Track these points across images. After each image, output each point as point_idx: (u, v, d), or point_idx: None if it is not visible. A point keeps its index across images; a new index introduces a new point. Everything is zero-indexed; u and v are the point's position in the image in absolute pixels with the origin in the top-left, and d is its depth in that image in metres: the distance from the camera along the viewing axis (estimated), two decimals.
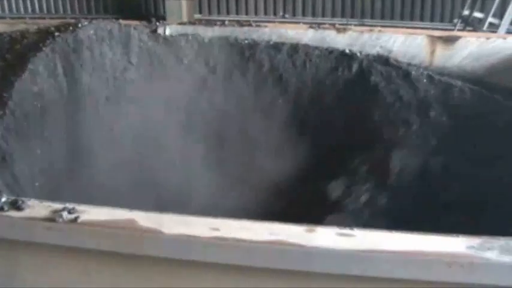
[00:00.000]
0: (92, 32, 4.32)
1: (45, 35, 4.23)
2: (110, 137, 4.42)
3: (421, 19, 9.38)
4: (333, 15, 8.15)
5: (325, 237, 2.29)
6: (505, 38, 4.58)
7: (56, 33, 4.20)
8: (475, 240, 2.25)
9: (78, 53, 4.21)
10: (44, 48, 4.07)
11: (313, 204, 4.10)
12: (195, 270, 2.47)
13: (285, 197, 4.43)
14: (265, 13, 8.31)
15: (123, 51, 4.49)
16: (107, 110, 4.41)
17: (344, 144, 4.43)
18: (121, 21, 4.75)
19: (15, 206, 2.63)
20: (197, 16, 8.25)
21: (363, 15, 8.26)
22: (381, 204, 4.06)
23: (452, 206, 3.82)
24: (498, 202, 3.66)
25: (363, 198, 4.11)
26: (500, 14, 8.32)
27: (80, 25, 4.31)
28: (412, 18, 9.29)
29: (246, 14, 8.28)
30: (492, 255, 2.19)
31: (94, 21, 4.47)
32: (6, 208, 2.62)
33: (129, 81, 4.52)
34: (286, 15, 8.09)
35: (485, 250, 2.20)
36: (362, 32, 4.64)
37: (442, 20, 9.53)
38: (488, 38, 4.54)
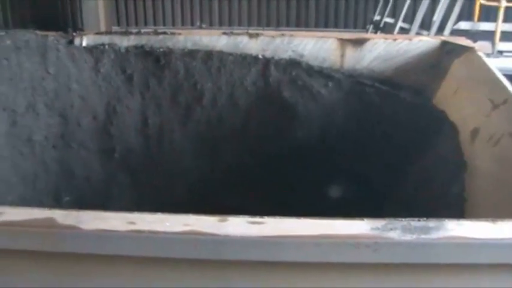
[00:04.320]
0: (9, 41, 4.34)
1: None
2: (29, 147, 4.46)
3: (336, 26, 9.59)
4: (249, 24, 8.26)
5: (236, 225, 2.39)
6: (410, 39, 4.76)
7: None
8: (379, 222, 2.38)
9: None
10: None
11: None
12: (113, 264, 2.54)
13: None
14: (183, 23, 8.38)
15: (41, 60, 4.51)
16: (26, 120, 4.43)
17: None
18: (37, 31, 4.78)
19: None
20: (115, 28, 8.26)
21: (278, 24, 8.41)
22: None
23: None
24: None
25: None
26: (410, 18, 8.57)
27: None
28: (326, 26, 9.50)
29: (164, 24, 8.34)
30: (395, 234, 2.31)
31: (10, 31, 4.49)
32: None
33: (48, 91, 4.54)
34: (203, 25, 8.18)
35: (388, 230, 2.33)
36: (274, 37, 4.76)
37: (355, 27, 9.78)
38: (395, 40, 4.71)
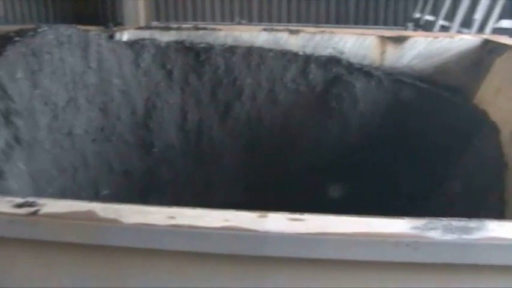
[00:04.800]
0: (51, 36, 4.39)
1: (4, 40, 4.28)
2: (69, 140, 4.50)
3: (375, 23, 9.55)
4: (289, 21, 8.26)
5: (277, 222, 2.39)
6: (452, 37, 4.72)
7: (16, 38, 4.26)
8: (419, 222, 2.36)
9: (38, 57, 4.28)
10: (3, 53, 4.13)
11: None
12: (153, 258, 2.56)
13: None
14: (222, 19, 8.39)
15: (83, 55, 4.55)
16: (67, 113, 4.47)
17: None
18: (79, 26, 4.82)
19: None
20: (155, 23, 8.30)
21: (317, 20, 8.39)
22: None
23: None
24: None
25: None
26: (451, 16, 8.50)
27: (39, 30, 4.37)
28: (366, 23, 9.45)
29: (203, 20, 8.36)
30: (436, 234, 2.30)
31: (53, 26, 4.53)
32: None
33: (88, 85, 4.58)
34: (243, 21, 8.18)
35: (429, 230, 2.32)
36: (314, 33, 4.75)
37: (395, 24, 9.71)
38: (436, 38, 4.67)
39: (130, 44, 4.82)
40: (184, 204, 2.63)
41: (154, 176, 4.77)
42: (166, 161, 4.78)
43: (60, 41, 4.42)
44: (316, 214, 2.43)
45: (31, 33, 4.33)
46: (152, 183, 4.77)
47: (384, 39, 4.68)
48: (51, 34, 4.39)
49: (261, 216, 2.42)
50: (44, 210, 2.62)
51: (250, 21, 8.19)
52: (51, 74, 4.35)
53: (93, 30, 4.89)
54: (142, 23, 7.78)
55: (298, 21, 8.23)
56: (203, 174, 4.74)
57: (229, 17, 8.32)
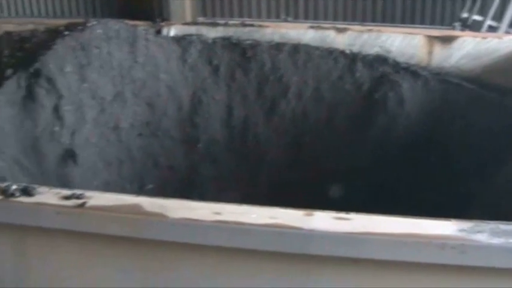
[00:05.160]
0: (100, 31, 4.43)
1: (54, 34, 4.34)
2: (115, 134, 4.55)
3: (422, 22, 9.47)
4: (335, 18, 8.23)
5: (322, 220, 2.39)
6: (501, 38, 4.68)
7: (66, 32, 4.31)
8: (466, 224, 2.35)
9: (87, 51, 4.33)
10: (53, 47, 4.19)
11: None
12: (198, 253, 2.58)
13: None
14: (268, 16, 8.40)
15: (130, 50, 4.59)
16: (114, 107, 4.52)
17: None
18: (127, 21, 4.86)
19: (26, 192, 2.75)
20: (201, 19, 8.34)
21: (364, 18, 8.35)
22: None
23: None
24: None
25: None
26: (499, 16, 8.40)
27: (88, 24, 4.42)
28: (412, 21, 9.39)
29: (249, 16, 8.38)
30: (483, 237, 2.28)
31: (102, 21, 4.57)
32: (17, 194, 2.74)
33: (135, 80, 4.62)
34: (289, 18, 8.18)
35: (475, 233, 2.30)
36: (361, 31, 4.73)
37: (442, 23, 9.62)
38: (484, 38, 4.63)
39: (177, 39, 4.85)
40: (227, 200, 2.65)
41: (198, 172, 4.79)
42: (210, 157, 4.80)
43: (108, 35, 4.47)
44: (362, 213, 2.43)
45: (80, 27, 4.39)
46: (196, 178, 4.79)
47: (431, 38, 4.65)
48: (99, 29, 4.44)
49: (306, 215, 2.43)
50: (91, 202, 2.66)
51: (296, 18, 8.18)
52: (99, 68, 4.40)
53: (141, 25, 4.94)
54: (188, 19, 7.82)
55: (344, 19, 8.20)
56: (247, 171, 4.74)
57: (275, 14, 8.33)
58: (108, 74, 4.46)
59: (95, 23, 4.46)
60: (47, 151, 4.10)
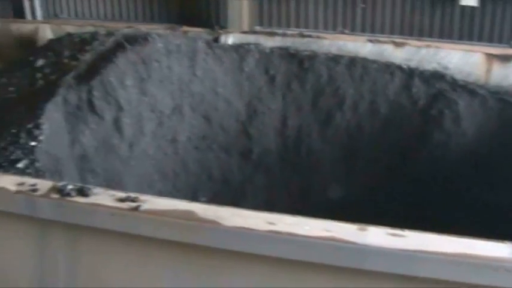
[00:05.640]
0: (161, 45, 4.50)
1: (115, 44, 4.41)
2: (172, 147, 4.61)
3: (479, 39, 9.35)
4: (392, 32, 8.15)
5: (377, 236, 2.38)
6: None
7: (127, 46, 4.37)
8: None
9: (147, 65, 4.40)
10: (114, 60, 4.26)
11: None
12: (249, 262, 2.58)
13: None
14: (325, 27, 8.35)
15: (189, 64, 4.65)
16: (172, 121, 4.58)
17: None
18: (185, 27, 4.91)
19: (82, 192, 2.80)
20: (257, 27, 8.35)
21: (421, 33, 8.27)
22: None
23: None
24: None
25: None
26: None
27: (149, 38, 4.48)
28: (470, 38, 9.27)
29: (306, 27, 8.34)
30: None
31: (163, 33, 4.64)
32: (73, 194, 2.79)
33: (194, 93, 4.69)
34: (345, 31, 8.14)
35: None
36: (419, 47, 4.71)
37: (500, 41, 9.48)
38: None
39: (235, 47, 4.88)
40: (278, 210, 2.65)
41: (251, 182, 4.81)
42: (263, 166, 4.81)
43: (169, 49, 4.53)
44: (416, 231, 2.41)
45: (141, 40, 4.44)
46: (248, 188, 4.81)
47: (490, 56, 4.61)
48: (160, 42, 4.50)
49: (361, 229, 2.42)
50: (145, 206, 2.69)
51: (352, 30, 8.12)
52: (158, 82, 4.47)
53: (199, 32, 4.99)
54: (245, 27, 7.79)
55: (401, 33, 8.09)
56: (300, 181, 4.75)
57: (332, 26, 8.25)
58: (167, 88, 4.53)
59: (155, 36, 4.50)
60: (105, 162, 4.18)
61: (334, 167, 4.68)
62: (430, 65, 4.66)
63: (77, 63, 4.30)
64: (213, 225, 2.55)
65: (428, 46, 4.72)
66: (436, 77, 4.58)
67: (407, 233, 2.39)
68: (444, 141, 4.44)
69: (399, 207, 4.32)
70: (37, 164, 3.50)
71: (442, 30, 8.78)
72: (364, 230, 2.42)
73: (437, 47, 4.71)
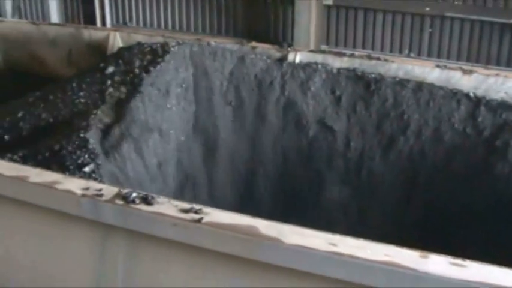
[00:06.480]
0: (245, 71, 4.83)
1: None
2: None
3: None
4: (458, 58, 8.11)
5: (438, 264, 2.38)
6: None
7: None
8: None
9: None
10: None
11: None
12: (308, 281, 2.60)
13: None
14: (391, 50, 8.35)
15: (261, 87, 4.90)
16: None
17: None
18: (254, 43, 4.98)
19: (146, 200, 2.86)
20: (324, 47, 8.37)
21: (488, 61, 8.20)
22: None
23: None
24: None
25: None
26: None
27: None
28: None
29: (372, 49, 8.35)
30: None
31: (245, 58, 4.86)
32: (137, 201, 2.85)
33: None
34: (412, 54, 8.12)
35: None
36: (488, 75, 4.66)
37: None
38: None
39: (303, 66, 4.90)
40: (336, 231, 2.66)
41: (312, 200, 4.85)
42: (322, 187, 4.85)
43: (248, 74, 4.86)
44: (479, 262, 2.40)
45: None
46: (306, 207, 4.84)
47: None
48: (244, 68, 4.84)
49: (422, 256, 2.42)
50: (208, 218, 2.73)
51: (419, 55, 8.10)
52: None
53: (267, 48, 5.05)
54: (312, 45, 7.85)
55: (468, 59, 8.06)
56: (358, 204, 4.75)
57: (398, 49, 8.26)
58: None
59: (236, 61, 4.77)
60: None
61: (395, 192, 4.66)
62: (497, 95, 4.60)
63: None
64: (274, 242, 2.57)
65: (497, 75, 4.66)
66: (503, 107, 4.51)
67: (469, 263, 2.38)
68: (508, 173, 4.38)
69: (459, 236, 4.29)
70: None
71: (510, 58, 8.70)
72: (425, 257, 2.42)
73: (506, 76, 4.65)
